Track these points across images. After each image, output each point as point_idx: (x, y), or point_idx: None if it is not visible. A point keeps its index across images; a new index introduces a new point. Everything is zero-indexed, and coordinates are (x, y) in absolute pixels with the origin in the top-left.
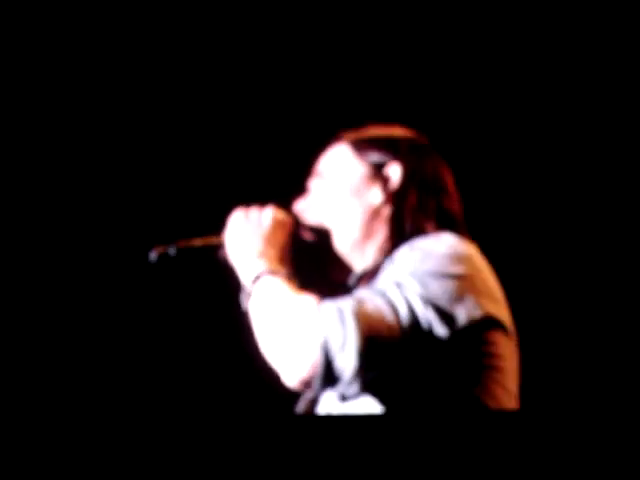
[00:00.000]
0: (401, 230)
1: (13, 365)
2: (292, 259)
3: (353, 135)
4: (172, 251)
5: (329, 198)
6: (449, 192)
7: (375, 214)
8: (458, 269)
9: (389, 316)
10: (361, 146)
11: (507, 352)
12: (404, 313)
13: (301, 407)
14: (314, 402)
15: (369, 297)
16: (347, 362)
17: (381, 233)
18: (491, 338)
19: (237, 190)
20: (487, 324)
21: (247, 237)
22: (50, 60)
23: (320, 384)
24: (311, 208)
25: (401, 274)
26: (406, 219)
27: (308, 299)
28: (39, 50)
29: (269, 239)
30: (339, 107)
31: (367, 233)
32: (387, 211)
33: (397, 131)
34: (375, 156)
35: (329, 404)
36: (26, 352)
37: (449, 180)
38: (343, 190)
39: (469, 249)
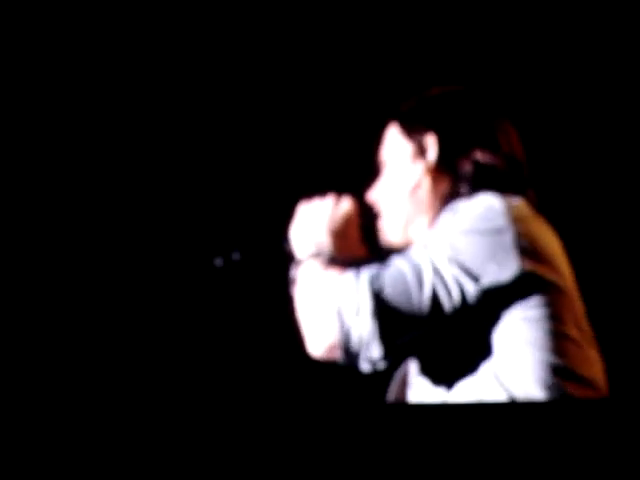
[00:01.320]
0: (443, 199)
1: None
2: (357, 245)
3: (401, 112)
4: (236, 255)
5: (387, 182)
6: (498, 146)
7: (419, 189)
8: (489, 225)
9: (410, 278)
10: (405, 123)
11: (552, 308)
12: (427, 273)
13: (392, 393)
14: (404, 387)
15: (395, 261)
16: (363, 326)
17: (428, 207)
18: (529, 294)
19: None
20: (523, 280)
21: (305, 227)
22: (50, 61)
23: (342, 351)
24: (379, 195)
25: (431, 236)
26: (447, 187)
27: (332, 272)
28: (39, 50)
29: (325, 227)
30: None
31: (416, 209)
32: (429, 184)
33: (439, 95)
34: (416, 130)
35: (421, 390)
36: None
37: (500, 133)
38: (395, 172)
39: (507, 204)
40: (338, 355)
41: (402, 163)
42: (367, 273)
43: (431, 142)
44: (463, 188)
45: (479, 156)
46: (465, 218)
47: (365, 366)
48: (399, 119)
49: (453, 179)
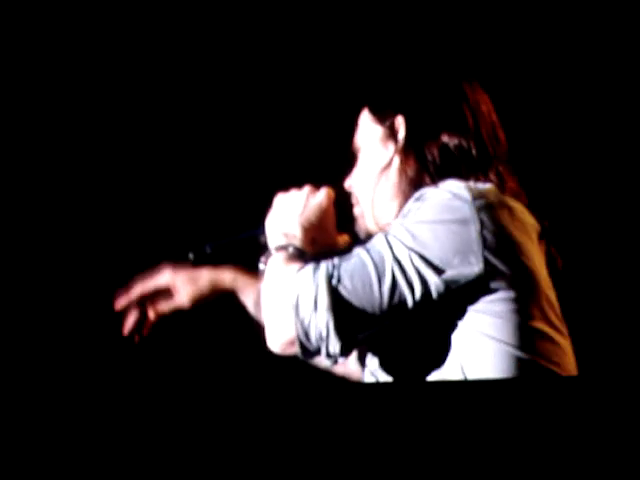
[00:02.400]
0: (412, 183)
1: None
2: (334, 236)
3: (371, 96)
4: (208, 249)
5: (361, 168)
6: (467, 129)
7: (389, 172)
8: (453, 215)
9: (371, 269)
10: (375, 107)
11: (518, 302)
12: (389, 265)
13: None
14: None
15: (355, 252)
16: (321, 320)
17: (398, 191)
18: (494, 287)
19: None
20: (487, 274)
21: (279, 218)
22: (51, 62)
23: (300, 346)
24: (354, 180)
25: (395, 226)
26: (412, 169)
27: (293, 266)
28: (39, 51)
29: (298, 218)
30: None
31: (387, 193)
32: (399, 167)
33: (408, 75)
34: (386, 113)
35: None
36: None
37: (470, 114)
38: (368, 156)
39: (473, 192)
40: (297, 350)
41: (374, 147)
42: (325, 265)
43: (400, 124)
44: (431, 172)
45: (447, 139)
46: (429, 207)
47: (325, 361)
48: (369, 103)
49: (421, 163)
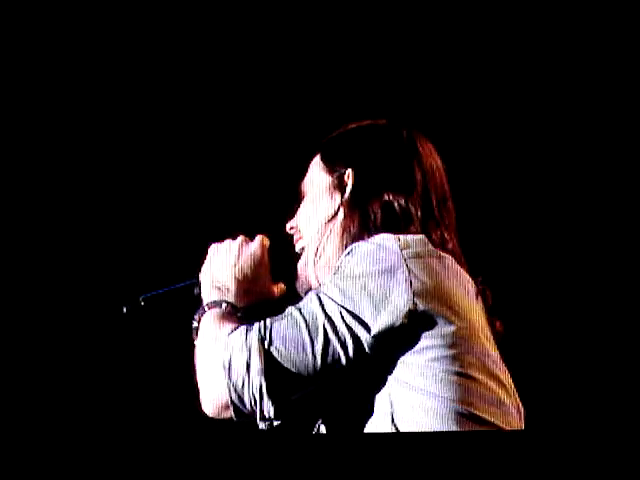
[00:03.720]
0: (352, 237)
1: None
2: (268, 286)
3: (323, 144)
4: (142, 301)
5: (305, 213)
6: (412, 188)
7: (333, 224)
8: (381, 266)
9: (302, 330)
10: (327, 156)
11: (451, 350)
12: (320, 324)
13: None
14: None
15: (287, 312)
16: (253, 383)
17: (339, 243)
18: (424, 336)
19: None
20: (418, 321)
21: (212, 270)
22: (51, 62)
23: (234, 410)
24: (296, 225)
25: (325, 282)
26: (355, 225)
27: (226, 327)
28: (39, 51)
29: (232, 270)
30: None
31: (328, 244)
32: (342, 219)
33: (362, 130)
34: (337, 164)
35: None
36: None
37: (419, 172)
38: (313, 203)
39: (402, 242)
40: (231, 414)
41: (320, 195)
42: (257, 327)
43: (349, 177)
44: (370, 229)
45: (391, 198)
46: (357, 261)
47: (261, 424)
48: (322, 151)
49: (363, 219)
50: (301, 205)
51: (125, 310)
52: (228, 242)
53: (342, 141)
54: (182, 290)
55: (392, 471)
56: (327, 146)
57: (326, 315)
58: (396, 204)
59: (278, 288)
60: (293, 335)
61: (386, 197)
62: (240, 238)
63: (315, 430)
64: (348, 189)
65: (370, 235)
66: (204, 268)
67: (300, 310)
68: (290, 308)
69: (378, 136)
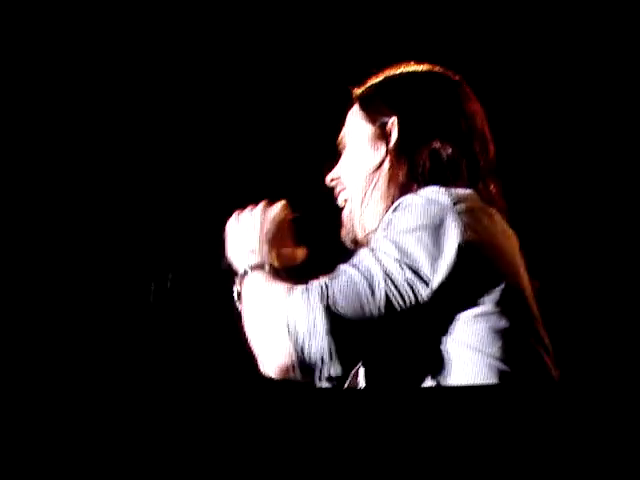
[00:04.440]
0: (399, 187)
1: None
2: (293, 247)
3: (362, 91)
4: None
5: (347, 165)
6: (459, 137)
7: (378, 174)
8: (433, 220)
9: (363, 287)
10: (367, 104)
11: (501, 296)
12: (379, 280)
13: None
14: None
15: (344, 270)
16: (318, 344)
17: (384, 194)
18: (477, 287)
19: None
20: (469, 272)
21: (239, 238)
22: (51, 62)
23: (299, 371)
24: (339, 176)
25: (378, 238)
26: (402, 175)
27: (279, 288)
28: (39, 51)
29: (261, 234)
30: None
31: (374, 195)
32: (388, 169)
33: (405, 76)
34: (379, 112)
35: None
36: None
37: (464, 122)
38: (356, 155)
39: (453, 197)
40: (295, 375)
41: (363, 146)
42: (316, 287)
43: (393, 126)
44: (418, 178)
45: (438, 146)
46: (410, 215)
47: (324, 384)
48: (361, 100)
49: (411, 168)
50: (342, 157)
51: (153, 287)
52: (250, 208)
53: (383, 89)
54: (209, 268)
55: (431, 424)
56: (366, 95)
57: (385, 271)
58: (444, 153)
59: (300, 253)
60: (354, 293)
61: (434, 145)
62: (262, 203)
63: (353, 372)
64: (393, 138)
65: (419, 185)
66: (230, 237)
67: (357, 267)
68: (344, 266)
69: (420, 81)
